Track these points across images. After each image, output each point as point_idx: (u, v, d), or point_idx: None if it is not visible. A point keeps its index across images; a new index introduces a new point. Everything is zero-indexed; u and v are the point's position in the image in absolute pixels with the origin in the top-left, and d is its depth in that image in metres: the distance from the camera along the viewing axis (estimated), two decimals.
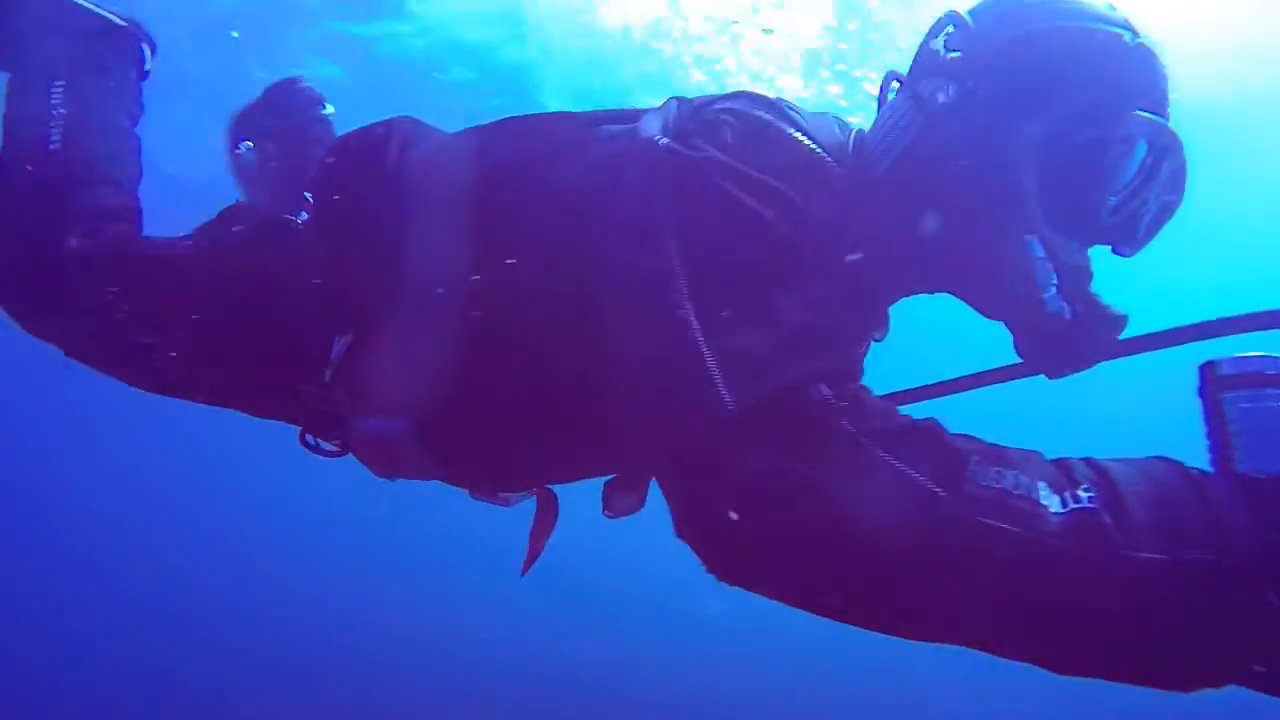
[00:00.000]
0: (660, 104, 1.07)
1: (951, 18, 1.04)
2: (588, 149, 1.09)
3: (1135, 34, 0.99)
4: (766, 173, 0.91)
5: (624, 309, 0.90)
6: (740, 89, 1.08)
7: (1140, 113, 0.95)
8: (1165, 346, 0.94)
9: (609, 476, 1.31)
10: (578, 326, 1.01)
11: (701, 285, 0.84)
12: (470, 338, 1.09)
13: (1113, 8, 1.01)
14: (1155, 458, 0.79)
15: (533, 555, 1.38)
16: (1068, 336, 0.95)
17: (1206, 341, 0.90)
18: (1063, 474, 0.77)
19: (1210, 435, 0.75)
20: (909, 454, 0.76)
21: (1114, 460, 0.79)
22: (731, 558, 0.82)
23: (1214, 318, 0.88)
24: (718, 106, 1.01)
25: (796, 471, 0.76)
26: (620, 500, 1.30)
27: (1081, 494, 0.74)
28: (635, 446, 0.96)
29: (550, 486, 1.36)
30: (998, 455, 0.78)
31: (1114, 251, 1.07)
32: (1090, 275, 1.01)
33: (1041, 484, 0.75)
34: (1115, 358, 0.98)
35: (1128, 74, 0.97)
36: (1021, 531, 0.72)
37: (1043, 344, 0.97)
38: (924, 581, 0.74)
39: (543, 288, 1.04)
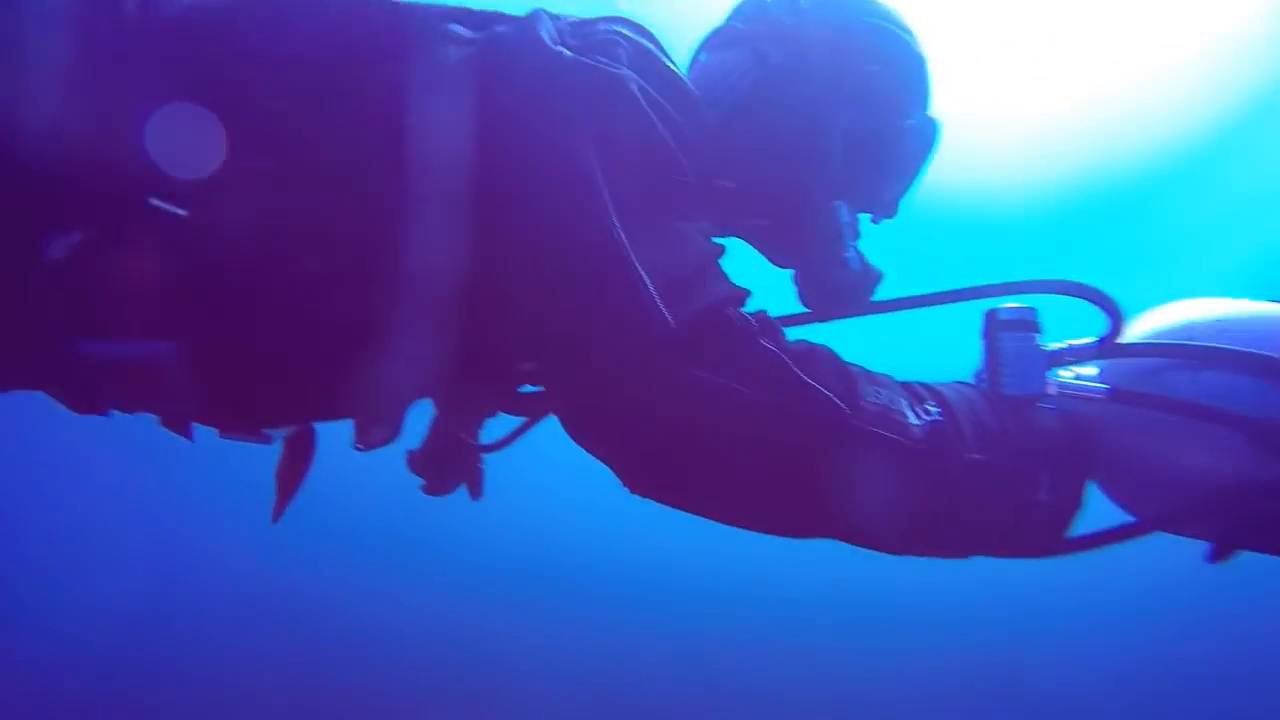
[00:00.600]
0: (525, 14, 1.04)
1: None
2: (436, 46, 0.97)
3: (918, 41, 1.21)
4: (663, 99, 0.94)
5: (540, 226, 0.87)
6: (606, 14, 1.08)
7: (925, 109, 1.17)
8: (907, 308, 1.16)
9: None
10: (398, 232, 0.91)
11: (620, 206, 0.85)
12: (253, 242, 0.94)
13: (903, 15, 1.22)
14: (958, 382, 0.99)
15: (284, 501, 1.24)
16: (855, 288, 1.15)
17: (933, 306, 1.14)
18: (911, 394, 0.93)
19: (986, 365, 0.96)
20: (817, 372, 0.87)
21: (936, 384, 0.97)
22: (663, 470, 0.89)
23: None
24: (603, 27, 0.98)
25: (730, 387, 0.84)
26: (375, 433, 1.26)
27: (931, 409, 0.90)
28: (533, 360, 0.95)
29: (316, 422, 1.22)
30: (871, 377, 0.92)
31: (871, 221, 1.29)
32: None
33: (903, 401, 0.90)
34: (875, 313, 1.20)
35: (918, 75, 1.19)
36: (901, 439, 0.87)
37: (835, 294, 1.16)
38: (831, 484, 0.86)
39: (357, 191, 0.93)
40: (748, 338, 0.86)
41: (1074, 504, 0.95)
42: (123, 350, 0.96)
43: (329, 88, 0.95)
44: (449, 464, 1.32)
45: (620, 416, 0.88)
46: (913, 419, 0.89)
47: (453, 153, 0.92)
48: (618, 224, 0.84)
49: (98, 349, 0.96)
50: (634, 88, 0.91)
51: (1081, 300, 0.97)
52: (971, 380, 1.00)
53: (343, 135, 0.94)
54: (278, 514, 1.22)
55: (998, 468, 0.90)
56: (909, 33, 1.19)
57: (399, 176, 0.92)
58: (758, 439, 0.84)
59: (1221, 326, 0.93)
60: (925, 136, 1.17)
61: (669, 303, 0.82)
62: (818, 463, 0.85)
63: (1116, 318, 0.94)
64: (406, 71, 0.96)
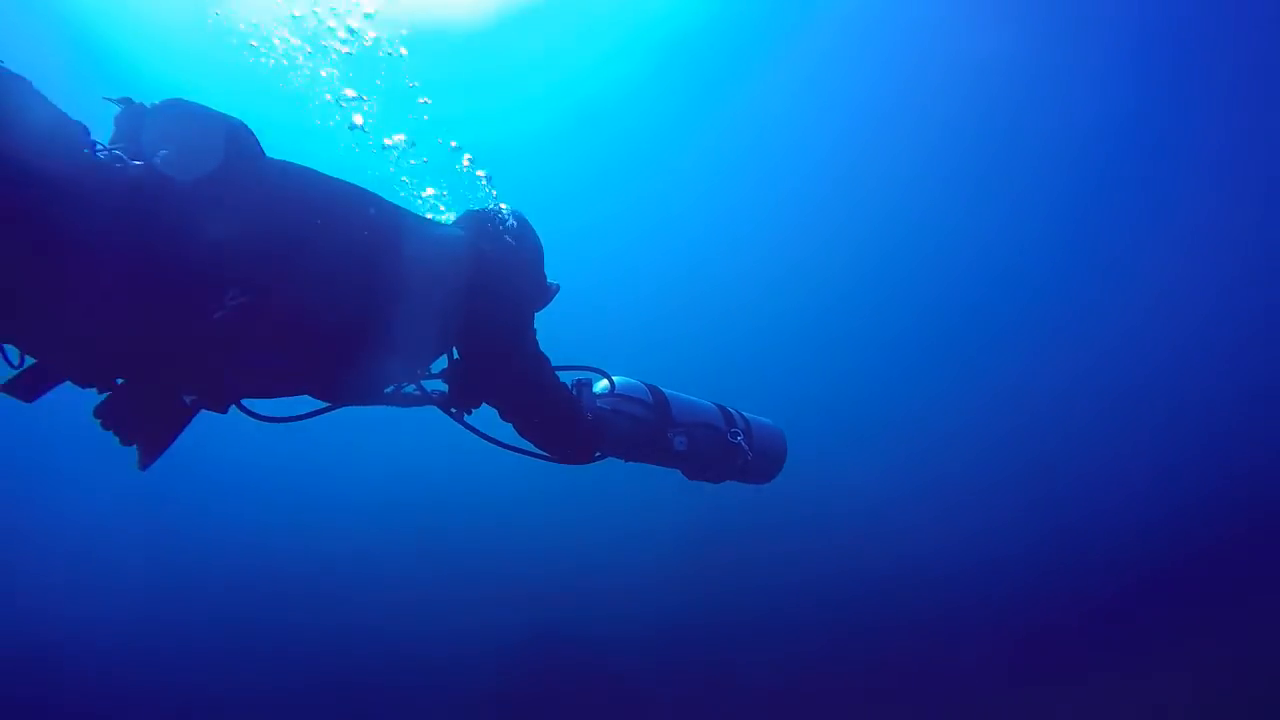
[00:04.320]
0: (457, 219, 2.57)
1: (499, 205, 2.72)
2: (437, 244, 2.37)
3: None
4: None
5: (505, 335, 2.40)
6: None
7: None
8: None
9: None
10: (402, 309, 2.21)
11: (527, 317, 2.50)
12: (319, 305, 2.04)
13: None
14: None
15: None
16: None
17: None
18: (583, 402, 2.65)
19: (577, 395, 2.71)
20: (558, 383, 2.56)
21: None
22: (517, 394, 2.49)
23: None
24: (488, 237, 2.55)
25: (545, 373, 2.52)
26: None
27: (602, 405, 2.65)
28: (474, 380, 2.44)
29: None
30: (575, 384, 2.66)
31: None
32: None
33: (584, 403, 2.62)
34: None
35: (541, 259, 2.84)
36: (587, 416, 2.60)
37: None
38: (562, 418, 2.55)
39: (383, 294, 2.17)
40: (545, 359, 2.52)
41: (600, 442, 2.78)
42: (265, 359, 2.03)
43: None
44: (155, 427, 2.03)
45: (516, 381, 2.49)
46: (589, 409, 2.62)
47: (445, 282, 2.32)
48: (534, 340, 2.53)
49: (252, 357, 2.00)
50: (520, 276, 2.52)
51: (600, 373, 2.80)
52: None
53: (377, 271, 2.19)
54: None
55: (609, 430, 2.68)
56: (537, 242, 2.83)
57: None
58: (548, 395, 2.53)
59: (629, 385, 2.85)
60: (552, 288, 2.84)
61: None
62: (558, 404, 2.54)
63: (611, 381, 2.79)
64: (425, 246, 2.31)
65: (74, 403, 2.08)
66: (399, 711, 11.85)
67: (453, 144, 3.15)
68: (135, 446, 2.00)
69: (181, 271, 1.82)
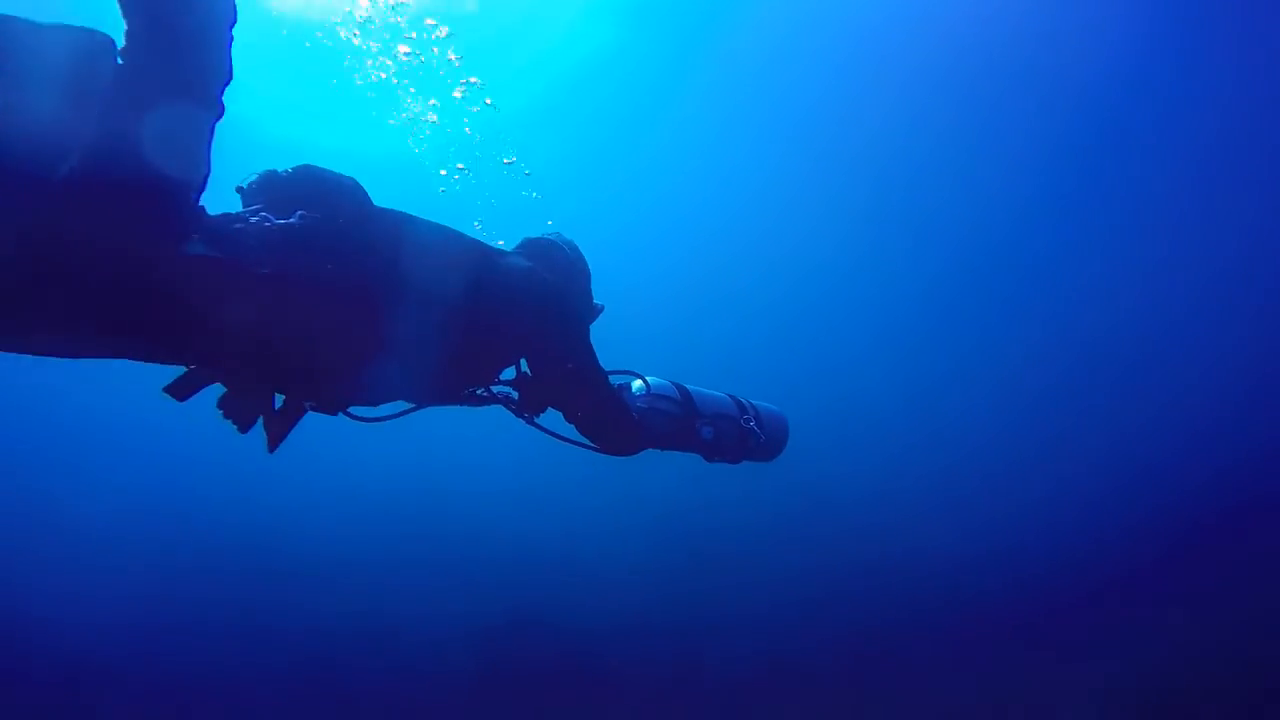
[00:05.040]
0: (518, 247, 2.91)
1: (555, 234, 3.12)
2: (513, 273, 2.69)
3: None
4: None
5: (570, 350, 2.75)
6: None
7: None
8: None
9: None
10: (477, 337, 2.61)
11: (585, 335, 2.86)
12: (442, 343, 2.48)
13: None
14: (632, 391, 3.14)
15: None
16: None
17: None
18: (627, 400, 3.07)
19: (623, 394, 3.13)
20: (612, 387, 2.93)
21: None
22: (583, 396, 2.85)
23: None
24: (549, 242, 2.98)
25: (603, 380, 2.86)
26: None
27: (641, 404, 3.06)
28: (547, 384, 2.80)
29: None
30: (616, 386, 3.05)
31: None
32: None
33: (628, 402, 3.04)
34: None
35: (589, 282, 3.25)
36: (631, 411, 3.02)
37: None
38: (612, 413, 2.91)
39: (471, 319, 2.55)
40: (603, 371, 2.90)
41: (641, 435, 3.20)
42: (375, 372, 2.44)
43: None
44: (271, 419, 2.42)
45: (581, 391, 2.84)
46: (632, 408, 3.04)
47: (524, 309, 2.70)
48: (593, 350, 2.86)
49: (377, 369, 2.42)
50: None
51: (636, 375, 3.22)
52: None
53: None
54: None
55: (648, 425, 3.09)
56: (588, 267, 3.23)
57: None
58: (606, 401, 2.89)
59: (661, 385, 3.28)
60: (598, 308, 3.25)
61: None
62: (613, 406, 2.94)
63: (646, 383, 3.22)
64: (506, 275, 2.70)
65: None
66: (380, 693, 12.08)
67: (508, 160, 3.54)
68: (266, 433, 2.40)
69: (319, 309, 2.20)
